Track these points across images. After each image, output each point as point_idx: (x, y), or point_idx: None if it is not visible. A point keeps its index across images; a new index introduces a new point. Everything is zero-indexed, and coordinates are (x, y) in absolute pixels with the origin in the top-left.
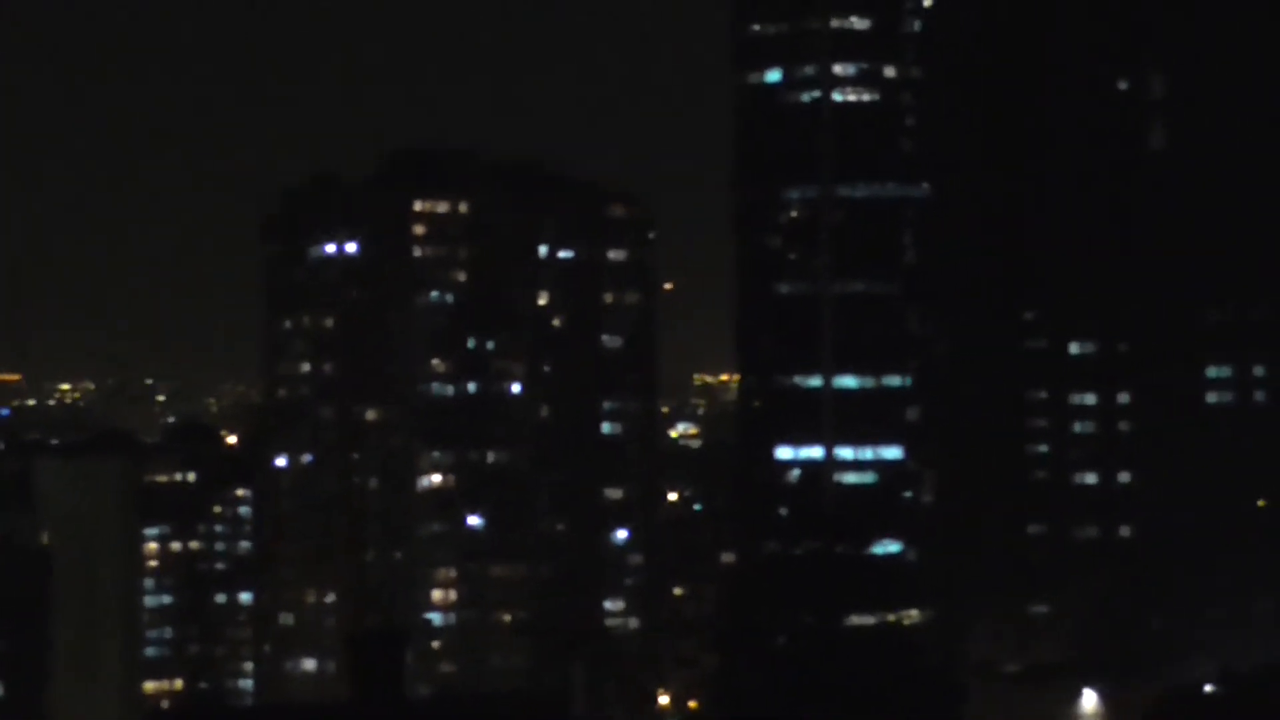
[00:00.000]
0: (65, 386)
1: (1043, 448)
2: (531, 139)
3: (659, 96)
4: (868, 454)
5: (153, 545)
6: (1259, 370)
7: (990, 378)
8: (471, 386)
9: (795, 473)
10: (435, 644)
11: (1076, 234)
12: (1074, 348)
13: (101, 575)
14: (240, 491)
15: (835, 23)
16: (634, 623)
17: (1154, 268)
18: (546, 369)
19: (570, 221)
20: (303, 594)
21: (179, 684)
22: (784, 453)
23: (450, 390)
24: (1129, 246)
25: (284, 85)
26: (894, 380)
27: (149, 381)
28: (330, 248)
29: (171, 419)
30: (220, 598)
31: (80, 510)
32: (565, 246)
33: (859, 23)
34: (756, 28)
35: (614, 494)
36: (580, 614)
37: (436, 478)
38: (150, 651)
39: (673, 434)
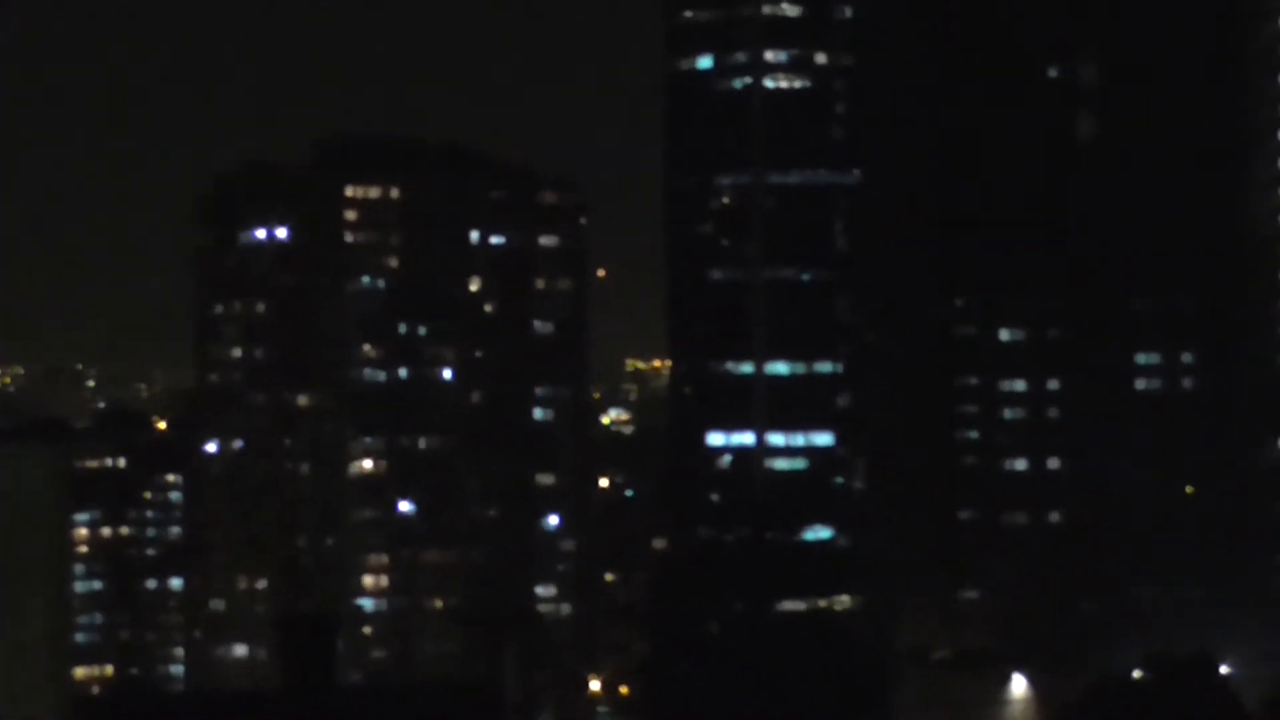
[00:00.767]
0: None
1: (973, 434)
2: (464, 125)
3: (591, 83)
4: (799, 440)
5: (83, 531)
6: (1187, 357)
7: (921, 364)
8: (403, 372)
9: (727, 459)
10: (367, 630)
11: (1007, 221)
12: (1004, 334)
13: (31, 561)
14: (171, 477)
15: (767, 9)
16: (566, 609)
17: (1084, 255)
18: (478, 355)
19: (502, 207)
20: (233, 580)
21: (109, 670)
22: (715, 439)
23: (382, 376)
24: (1059, 234)
25: (218, 72)
26: (825, 366)
27: (79, 367)
28: (262, 233)
29: (102, 405)
30: (151, 583)
31: (10, 496)
32: (497, 232)
33: (790, 9)
34: (689, 14)
35: (546, 480)
36: (512, 600)
37: (368, 463)
38: (80, 637)
39: (604, 420)
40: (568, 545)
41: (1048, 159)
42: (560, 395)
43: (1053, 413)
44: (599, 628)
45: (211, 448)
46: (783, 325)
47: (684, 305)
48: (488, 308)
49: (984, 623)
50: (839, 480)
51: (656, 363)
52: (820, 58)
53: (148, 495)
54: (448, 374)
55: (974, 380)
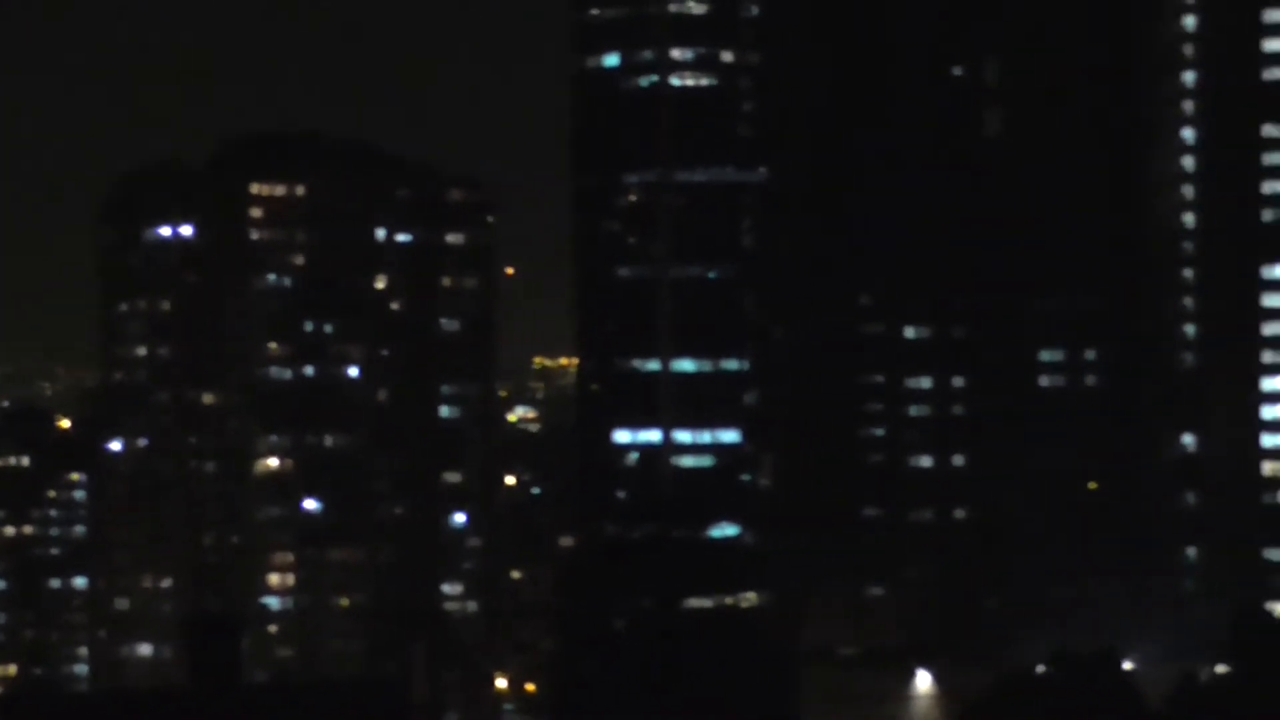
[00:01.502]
0: None
1: (878, 431)
2: (369, 123)
3: (498, 80)
4: (705, 437)
5: None
6: (1090, 354)
7: (826, 362)
8: (309, 370)
9: (633, 456)
10: (273, 628)
11: (912, 219)
12: (909, 332)
13: None
14: (75, 476)
15: (673, 7)
16: (472, 606)
17: (988, 253)
18: (385, 353)
19: (409, 205)
20: (138, 579)
21: (12, 670)
22: (622, 436)
23: (288, 374)
24: (964, 232)
25: (120, 71)
26: (732, 364)
27: None
28: (166, 231)
29: (5, 403)
30: (55, 583)
31: None
32: (403, 230)
33: (697, 7)
34: (595, 11)
35: (452, 478)
36: (419, 598)
37: (274, 461)
38: None
39: (511, 418)
40: (474, 543)
41: (952, 156)
42: (467, 393)
43: (958, 410)
44: (505, 625)
45: (116, 446)
46: (689, 323)
47: (591, 303)
48: (394, 305)
49: (889, 619)
50: (746, 477)
51: (564, 360)
52: (727, 56)
53: (52, 494)
54: (354, 372)
55: (879, 378)
